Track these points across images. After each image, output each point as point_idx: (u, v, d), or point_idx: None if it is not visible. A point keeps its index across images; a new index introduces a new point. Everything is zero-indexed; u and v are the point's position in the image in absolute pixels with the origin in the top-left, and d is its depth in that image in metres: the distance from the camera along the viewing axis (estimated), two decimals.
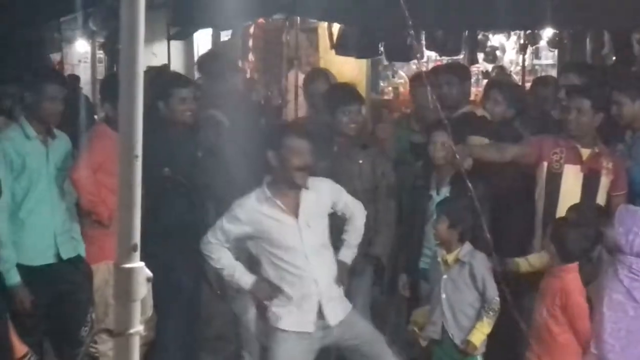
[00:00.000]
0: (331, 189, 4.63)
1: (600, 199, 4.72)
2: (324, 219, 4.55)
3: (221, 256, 4.53)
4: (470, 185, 3.30)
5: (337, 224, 4.72)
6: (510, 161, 4.89)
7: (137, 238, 1.60)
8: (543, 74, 11.36)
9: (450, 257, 4.43)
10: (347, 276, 4.67)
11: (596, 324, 4.18)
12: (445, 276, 4.42)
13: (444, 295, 4.40)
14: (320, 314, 4.43)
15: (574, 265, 4.28)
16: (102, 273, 4.78)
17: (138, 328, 1.61)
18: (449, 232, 4.40)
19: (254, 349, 5.64)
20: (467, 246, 4.41)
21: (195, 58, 15.21)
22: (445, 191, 4.89)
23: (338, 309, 4.49)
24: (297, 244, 4.41)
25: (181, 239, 4.87)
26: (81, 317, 4.77)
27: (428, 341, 4.52)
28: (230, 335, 6.16)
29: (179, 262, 4.83)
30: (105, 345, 4.64)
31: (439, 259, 4.47)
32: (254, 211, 4.43)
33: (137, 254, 1.60)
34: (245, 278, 4.53)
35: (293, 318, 4.42)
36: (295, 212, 4.44)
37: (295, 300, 4.43)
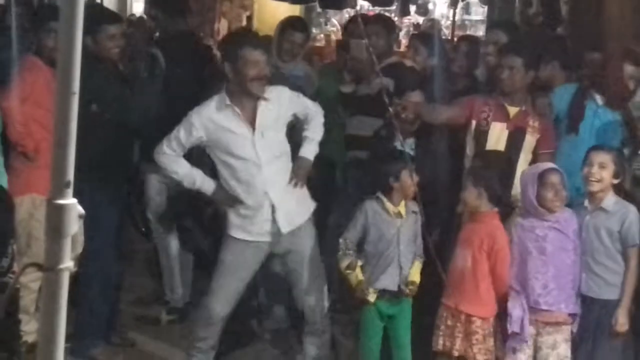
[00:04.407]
0: (290, 98, 4.64)
1: (525, 155, 4.79)
2: (281, 130, 4.58)
3: (178, 168, 4.58)
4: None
5: None
6: (441, 122, 4.99)
7: (70, 175, 1.58)
8: (472, 29, 11.51)
9: (402, 209, 4.49)
10: (307, 172, 4.66)
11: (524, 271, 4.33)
12: (400, 227, 4.48)
13: (402, 247, 4.47)
14: (274, 222, 4.52)
15: (496, 212, 4.39)
16: (26, 206, 4.71)
17: (68, 264, 1.60)
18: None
19: (175, 284, 5.68)
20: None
21: None
22: (410, 142, 4.98)
23: (293, 216, 4.58)
24: (251, 155, 4.45)
25: (107, 177, 4.84)
26: (1, 249, 4.70)
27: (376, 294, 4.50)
28: (153, 272, 6.19)
29: (104, 199, 4.80)
30: (27, 277, 4.64)
31: (390, 212, 4.48)
32: (210, 120, 4.47)
33: (70, 190, 1.58)
34: (206, 185, 4.59)
35: (246, 227, 4.54)
36: (252, 122, 4.46)
37: (249, 209, 4.52)
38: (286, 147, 4.61)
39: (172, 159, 4.56)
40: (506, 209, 4.48)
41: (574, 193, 4.59)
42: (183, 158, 4.57)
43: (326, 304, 4.81)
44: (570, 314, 4.31)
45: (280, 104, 4.55)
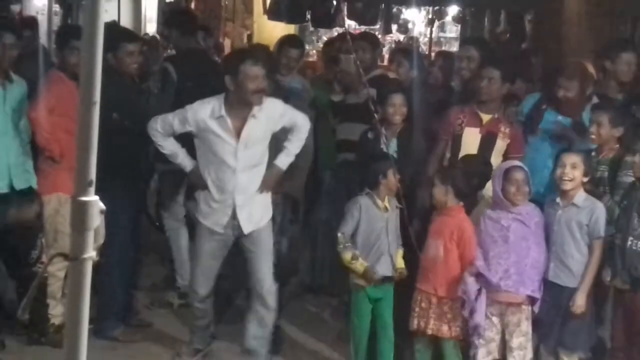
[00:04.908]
0: (282, 113, 4.57)
1: (496, 158, 4.76)
2: (265, 141, 4.52)
3: (166, 143, 4.57)
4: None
5: None
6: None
7: (92, 175, 1.57)
8: (447, 45, 11.52)
9: (387, 204, 4.51)
10: (276, 179, 4.62)
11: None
12: (388, 220, 4.49)
13: (389, 238, 4.49)
14: (235, 220, 4.50)
15: (462, 206, 4.40)
16: (53, 203, 4.70)
17: (91, 254, 1.60)
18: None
19: (185, 271, 5.67)
20: None
21: (143, 16, 14.94)
22: (393, 144, 4.93)
23: (253, 219, 4.53)
24: (231, 161, 4.42)
25: (126, 176, 4.82)
26: (31, 242, 4.71)
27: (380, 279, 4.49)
28: (165, 261, 6.17)
29: (123, 196, 4.78)
30: (54, 267, 4.63)
31: (379, 206, 4.49)
32: (203, 122, 4.42)
33: (93, 189, 1.58)
34: (186, 162, 4.59)
35: (210, 217, 4.54)
36: (238, 134, 4.42)
37: (215, 203, 4.50)
38: (264, 157, 4.56)
39: (161, 136, 4.55)
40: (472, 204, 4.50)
41: (535, 193, 4.57)
42: (172, 137, 4.56)
43: (275, 285, 4.67)
44: (529, 297, 4.29)
45: (269, 119, 4.48)
